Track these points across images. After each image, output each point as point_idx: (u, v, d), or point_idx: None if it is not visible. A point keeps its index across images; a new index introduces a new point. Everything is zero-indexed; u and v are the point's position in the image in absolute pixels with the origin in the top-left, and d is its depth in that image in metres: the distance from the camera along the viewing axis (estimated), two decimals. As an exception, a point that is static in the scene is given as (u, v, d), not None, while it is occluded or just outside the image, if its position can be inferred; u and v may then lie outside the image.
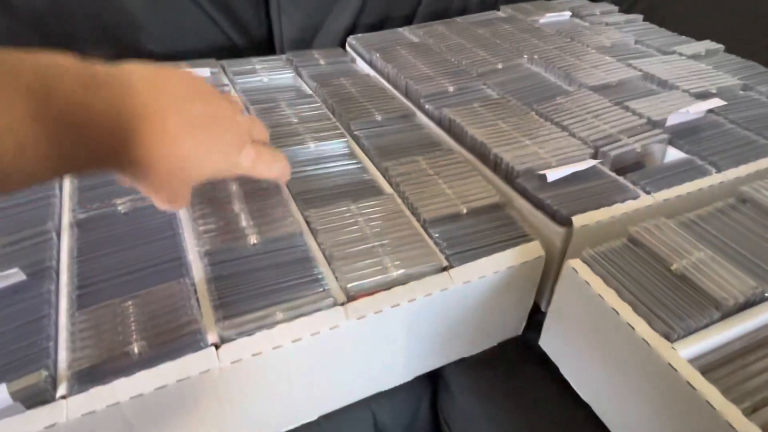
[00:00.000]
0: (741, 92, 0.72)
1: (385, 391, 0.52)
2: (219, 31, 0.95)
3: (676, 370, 0.38)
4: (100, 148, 0.32)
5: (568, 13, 0.98)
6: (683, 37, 0.88)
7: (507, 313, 0.54)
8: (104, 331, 0.40)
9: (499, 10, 1.05)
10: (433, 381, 0.57)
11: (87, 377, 0.37)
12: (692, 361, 0.39)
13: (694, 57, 0.80)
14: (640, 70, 0.75)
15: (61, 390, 0.37)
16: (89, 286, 0.44)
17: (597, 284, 0.43)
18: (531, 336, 0.56)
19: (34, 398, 0.36)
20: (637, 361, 0.41)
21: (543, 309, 0.57)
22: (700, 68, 0.76)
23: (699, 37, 0.87)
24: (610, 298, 0.42)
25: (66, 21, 0.84)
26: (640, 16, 0.98)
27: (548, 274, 0.53)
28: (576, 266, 0.45)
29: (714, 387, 0.36)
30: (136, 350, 0.39)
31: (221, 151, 0.39)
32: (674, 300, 0.42)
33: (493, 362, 0.56)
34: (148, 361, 0.39)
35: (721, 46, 0.84)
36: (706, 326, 0.40)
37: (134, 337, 0.40)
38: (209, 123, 0.37)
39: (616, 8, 1.02)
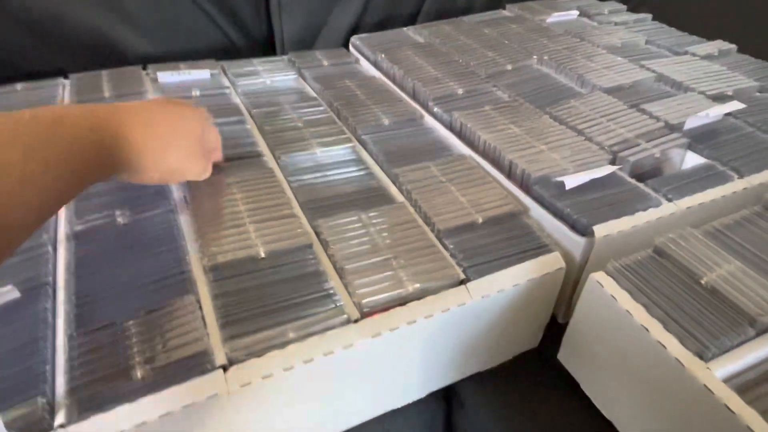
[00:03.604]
0: (758, 94, 0.70)
1: (399, 409, 0.50)
2: (218, 31, 0.93)
3: (712, 393, 0.36)
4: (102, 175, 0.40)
5: (575, 12, 0.96)
6: (694, 37, 0.87)
7: (524, 326, 0.52)
8: (105, 353, 0.38)
9: (504, 8, 1.03)
10: (447, 397, 0.55)
11: (87, 404, 0.35)
12: (727, 380, 0.37)
13: (708, 57, 0.78)
14: (654, 72, 0.73)
15: (60, 418, 0.35)
16: (88, 304, 0.42)
17: (624, 299, 0.41)
18: (547, 348, 0.54)
19: (31, 428, 0.34)
20: (669, 381, 0.39)
21: (560, 320, 0.55)
22: (715, 69, 0.74)
23: (708, 36, 0.86)
24: (639, 314, 0.40)
25: (62, 23, 0.81)
26: (649, 15, 0.96)
27: (566, 285, 0.51)
28: (601, 280, 0.43)
29: (753, 410, 0.34)
30: (138, 374, 0.37)
31: (195, 162, 0.49)
32: (706, 316, 0.40)
33: (508, 376, 0.54)
34: (152, 385, 0.36)
35: (733, 46, 0.82)
36: (741, 344, 0.39)
37: (137, 359, 0.38)
38: (183, 142, 0.47)
39: (624, 7, 1.00)
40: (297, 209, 0.52)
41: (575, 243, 0.49)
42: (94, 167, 0.38)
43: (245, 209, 0.51)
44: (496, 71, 0.76)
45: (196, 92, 0.72)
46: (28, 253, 0.46)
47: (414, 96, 0.73)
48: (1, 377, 0.36)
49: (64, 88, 0.72)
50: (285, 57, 0.85)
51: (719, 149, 0.59)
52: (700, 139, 0.60)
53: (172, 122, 0.45)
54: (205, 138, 0.49)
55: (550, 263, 0.48)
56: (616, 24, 0.92)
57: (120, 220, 0.49)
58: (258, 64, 0.81)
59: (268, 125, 0.65)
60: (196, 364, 0.38)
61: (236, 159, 0.58)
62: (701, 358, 0.37)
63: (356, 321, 0.42)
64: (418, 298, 0.44)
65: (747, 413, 0.34)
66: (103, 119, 0.39)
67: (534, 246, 0.49)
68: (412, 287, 0.44)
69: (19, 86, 0.71)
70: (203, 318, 0.41)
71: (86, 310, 0.41)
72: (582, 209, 0.50)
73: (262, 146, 0.62)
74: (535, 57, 0.79)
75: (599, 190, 0.52)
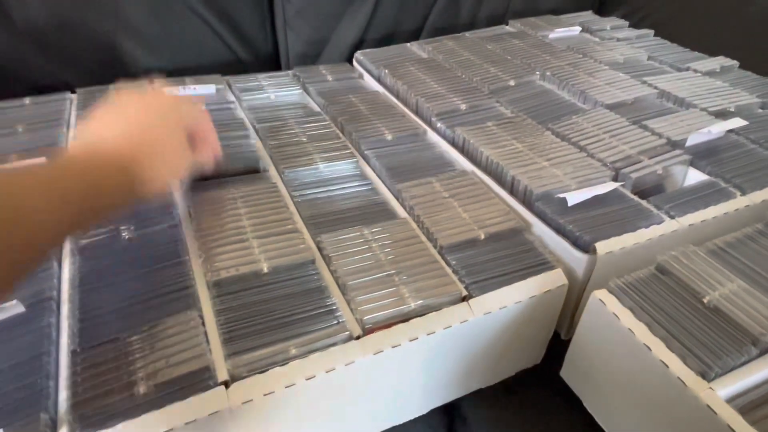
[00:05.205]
0: (760, 110, 0.71)
1: (401, 425, 0.50)
2: (224, 46, 0.94)
3: (715, 413, 0.35)
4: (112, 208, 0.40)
5: (578, 28, 0.97)
6: (696, 53, 0.87)
7: (527, 343, 0.52)
8: (107, 369, 0.38)
9: (507, 24, 1.04)
10: (449, 413, 0.55)
11: (89, 420, 0.35)
12: (730, 401, 0.37)
13: (709, 74, 0.79)
14: (656, 88, 0.74)
15: (62, 434, 0.35)
16: (92, 319, 0.42)
17: (626, 317, 0.41)
18: (549, 365, 0.54)
19: (33, 444, 0.34)
20: (671, 400, 0.39)
21: (563, 337, 0.55)
22: (717, 86, 0.74)
23: (710, 53, 0.86)
24: (641, 332, 0.40)
25: (67, 36, 0.82)
26: (651, 32, 0.96)
27: (569, 302, 0.51)
28: (603, 297, 0.43)
29: (756, 431, 0.34)
30: (141, 390, 0.37)
31: (182, 161, 0.47)
32: (709, 335, 0.39)
33: (511, 393, 0.54)
34: (154, 401, 0.36)
35: (735, 63, 0.83)
36: (744, 363, 0.38)
37: (139, 375, 0.38)
38: (172, 153, 0.45)
39: (626, 23, 1.01)
40: (300, 224, 0.53)
41: (577, 260, 0.49)
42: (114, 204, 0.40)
43: (249, 224, 0.51)
44: (498, 87, 0.76)
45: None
46: (33, 267, 0.46)
47: (417, 111, 0.74)
48: (4, 393, 0.36)
49: (71, 103, 0.73)
50: (290, 72, 0.86)
51: (721, 166, 0.59)
52: (703, 155, 0.61)
53: (157, 130, 0.44)
54: (187, 122, 0.47)
55: (553, 280, 0.48)
56: (618, 40, 0.93)
57: (125, 234, 0.50)
58: (263, 79, 0.82)
59: (273, 140, 0.65)
60: (198, 381, 0.38)
61: (240, 174, 0.59)
62: (704, 377, 0.37)
63: (358, 337, 0.42)
64: (420, 315, 0.44)
65: (750, 434, 0.34)
66: (117, 157, 0.40)
67: (536, 263, 0.49)
68: (415, 303, 0.44)
69: (27, 100, 0.72)
70: (206, 334, 0.41)
71: (90, 325, 0.41)
72: (584, 226, 0.50)
73: (266, 161, 0.62)
74: (537, 73, 0.80)
75: (601, 206, 0.53)
